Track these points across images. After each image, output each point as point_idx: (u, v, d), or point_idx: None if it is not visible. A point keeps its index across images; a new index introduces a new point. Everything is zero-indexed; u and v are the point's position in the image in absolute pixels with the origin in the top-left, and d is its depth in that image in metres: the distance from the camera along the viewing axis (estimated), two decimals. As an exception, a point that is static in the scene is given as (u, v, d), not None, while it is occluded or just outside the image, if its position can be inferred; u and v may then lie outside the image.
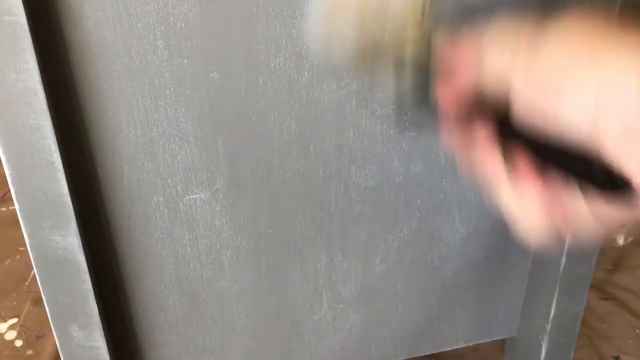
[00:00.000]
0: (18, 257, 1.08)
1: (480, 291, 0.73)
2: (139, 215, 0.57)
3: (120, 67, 0.50)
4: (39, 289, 0.55)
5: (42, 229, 0.52)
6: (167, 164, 0.55)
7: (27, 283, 1.03)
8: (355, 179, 0.61)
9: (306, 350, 0.71)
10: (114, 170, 0.54)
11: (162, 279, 0.61)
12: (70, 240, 0.53)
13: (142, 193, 0.56)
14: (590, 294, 0.71)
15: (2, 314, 0.97)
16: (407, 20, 0.42)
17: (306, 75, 0.54)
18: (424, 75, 0.42)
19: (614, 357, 0.89)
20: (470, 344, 0.78)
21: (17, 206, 0.50)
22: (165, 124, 0.53)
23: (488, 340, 0.79)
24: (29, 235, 0.52)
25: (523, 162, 0.36)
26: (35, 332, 0.94)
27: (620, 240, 1.12)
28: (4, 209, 1.19)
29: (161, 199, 0.56)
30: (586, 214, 0.35)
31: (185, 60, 0.51)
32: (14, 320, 0.96)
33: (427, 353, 0.77)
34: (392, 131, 0.59)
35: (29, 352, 0.91)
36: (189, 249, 0.60)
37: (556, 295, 0.69)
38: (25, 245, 0.53)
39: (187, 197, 0.57)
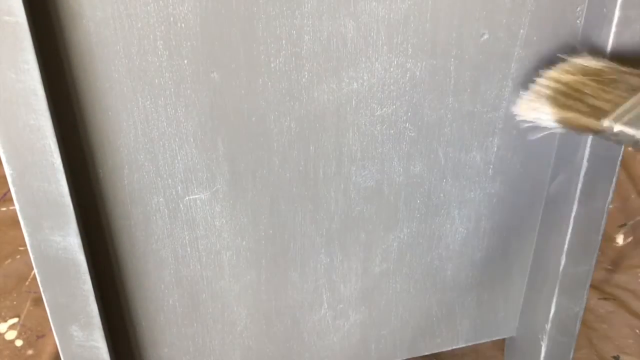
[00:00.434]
0: (18, 257, 1.08)
1: (480, 291, 0.73)
2: (139, 215, 0.57)
3: (120, 67, 0.50)
4: (39, 289, 0.55)
5: (42, 229, 0.52)
6: (167, 164, 0.55)
7: (27, 283, 1.03)
8: (355, 179, 0.61)
9: (306, 350, 0.71)
10: (114, 170, 0.54)
11: (162, 279, 0.61)
12: (70, 240, 0.53)
13: (142, 193, 0.56)
14: (590, 294, 0.71)
15: (2, 314, 0.97)
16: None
17: (306, 75, 0.54)
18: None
19: (613, 357, 0.89)
20: (470, 344, 0.78)
21: (17, 206, 0.50)
22: (165, 124, 0.53)
23: (488, 340, 0.79)
24: (29, 235, 0.52)
25: None
26: (35, 332, 0.94)
27: (620, 240, 1.12)
28: (4, 209, 1.19)
29: (161, 199, 0.56)
30: None
31: (185, 61, 0.51)
32: (14, 320, 0.96)
33: (427, 353, 0.77)
34: (392, 131, 0.59)
35: (29, 352, 0.91)
36: (189, 249, 0.60)
37: (556, 295, 0.69)
38: (25, 245, 0.53)
39: (187, 198, 0.57)
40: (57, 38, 0.47)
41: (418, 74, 0.56)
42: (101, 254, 0.58)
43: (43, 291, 0.55)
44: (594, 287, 1.00)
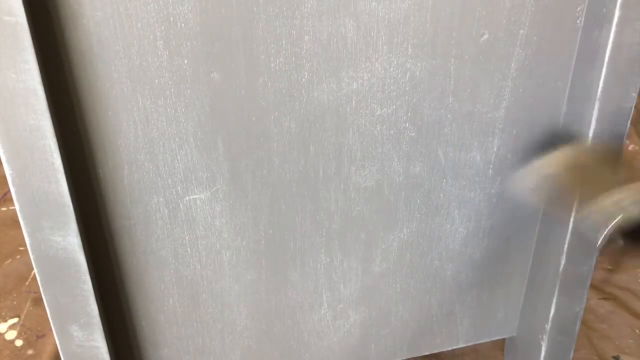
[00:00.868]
0: (18, 257, 1.08)
1: (480, 291, 0.73)
2: (139, 215, 0.57)
3: (120, 67, 0.50)
4: (39, 289, 0.55)
5: (42, 229, 0.52)
6: (167, 164, 0.55)
7: (27, 283, 1.03)
8: (355, 179, 0.61)
9: (306, 350, 0.71)
10: (114, 170, 0.54)
11: (162, 279, 0.61)
12: (70, 240, 0.53)
13: (142, 193, 0.56)
14: (590, 293, 0.71)
15: (3, 314, 0.97)
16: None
17: (306, 76, 0.54)
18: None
19: (613, 357, 0.89)
20: (470, 343, 0.78)
21: (17, 206, 0.50)
22: (165, 124, 0.53)
23: (488, 340, 0.79)
24: (29, 235, 0.52)
25: None
26: (35, 332, 0.94)
27: (620, 241, 1.12)
28: (4, 209, 1.19)
29: (161, 199, 0.56)
30: None
31: (185, 61, 0.51)
32: (14, 320, 0.96)
33: (427, 353, 0.77)
34: (392, 131, 0.59)
35: (29, 352, 0.91)
36: (189, 249, 0.60)
37: (556, 295, 0.69)
38: (25, 245, 0.53)
39: (187, 198, 0.57)
40: (57, 38, 0.47)
41: (418, 74, 0.56)
42: (101, 254, 0.58)
43: (43, 291, 0.55)
44: (594, 287, 1.00)
